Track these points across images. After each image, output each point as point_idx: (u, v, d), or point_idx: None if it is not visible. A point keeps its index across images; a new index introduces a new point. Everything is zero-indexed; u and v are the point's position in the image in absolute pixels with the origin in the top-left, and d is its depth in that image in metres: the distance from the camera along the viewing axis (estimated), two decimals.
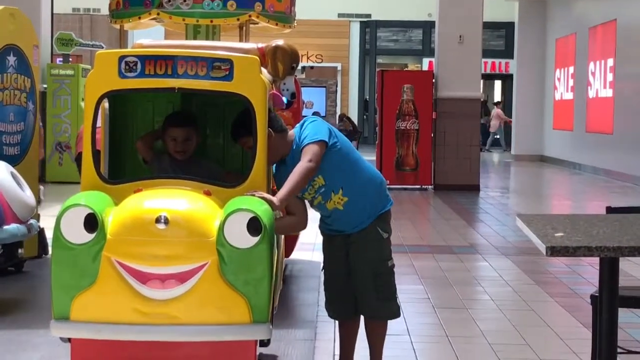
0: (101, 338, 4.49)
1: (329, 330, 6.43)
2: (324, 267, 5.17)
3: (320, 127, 4.93)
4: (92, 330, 4.47)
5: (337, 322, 5.24)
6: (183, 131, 5.22)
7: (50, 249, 8.63)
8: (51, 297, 4.51)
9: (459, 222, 12.79)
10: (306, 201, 5.05)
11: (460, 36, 17.19)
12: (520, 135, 26.92)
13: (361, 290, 4.97)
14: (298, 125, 5.06)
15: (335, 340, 6.12)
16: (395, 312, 5.02)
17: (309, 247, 9.80)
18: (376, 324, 5.02)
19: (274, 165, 5.09)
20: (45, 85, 16.62)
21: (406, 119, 17.22)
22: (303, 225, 5.10)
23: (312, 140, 4.88)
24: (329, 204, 4.97)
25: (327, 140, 4.89)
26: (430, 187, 17.17)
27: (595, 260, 4.82)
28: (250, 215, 4.47)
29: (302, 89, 9.99)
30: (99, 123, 4.97)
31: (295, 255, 8.56)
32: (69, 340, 4.56)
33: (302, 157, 4.84)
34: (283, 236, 5.72)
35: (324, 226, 5.12)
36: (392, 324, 5.29)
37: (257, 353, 4.71)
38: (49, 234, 8.23)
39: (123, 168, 5.44)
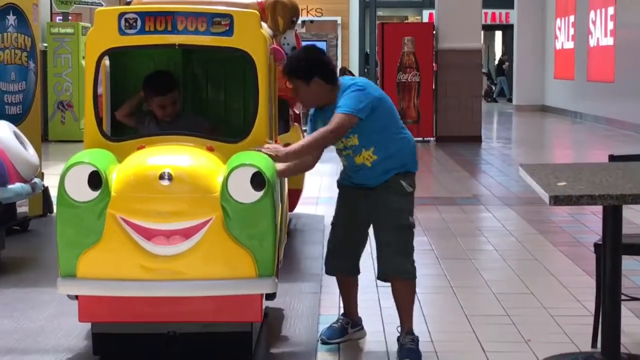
0: (108, 295, 4.52)
1: (334, 283, 6.46)
2: (333, 222, 5.15)
3: (361, 98, 4.81)
4: (99, 287, 4.50)
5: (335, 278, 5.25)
6: (169, 97, 5.25)
7: (55, 207, 8.66)
8: (57, 255, 4.54)
9: (462, 173, 12.81)
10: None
11: None
12: (522, 85, 26.84)
13: (381, 244, 4.94)
14: (349, 78, 5.00)
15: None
16: (412, 272, 4.96)
17: (313, 201, 9.83)
18: (401, 284, 4.98)
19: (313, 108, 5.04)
20: (45, 44, 16.56)
21: (407, 72, 17.17)
22: (311, 167, 5.11)
23: (346, 110, 4.78)
24: (357, 158, 4.95)
25: (361, 117, 4.78)
26: (432, 139, 17.16)
27: (599, 208, 4.84)
28: (254, 170, 4.48)
29: (303, 43, 9.95)
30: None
31: (299, 209, 8.59)
32: (76, 297, 4.59)
33: (330, 121, 4.79)
34: (287, 190, 5.73)
35: (345, 179, 5.09)
36: None
37: (263, 307, 4.75)
38: (53, 193, 8.27)
39: (125, 125, 5.44)
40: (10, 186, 6.77)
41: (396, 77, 17.10)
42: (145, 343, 4.67)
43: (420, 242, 7.77)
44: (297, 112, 8.66)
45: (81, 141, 5.06)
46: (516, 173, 12.38)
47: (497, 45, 37.66)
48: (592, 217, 8.81)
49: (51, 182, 8.35)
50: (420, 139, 16.87)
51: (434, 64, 17.18)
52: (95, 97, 4.90)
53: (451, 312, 5.81)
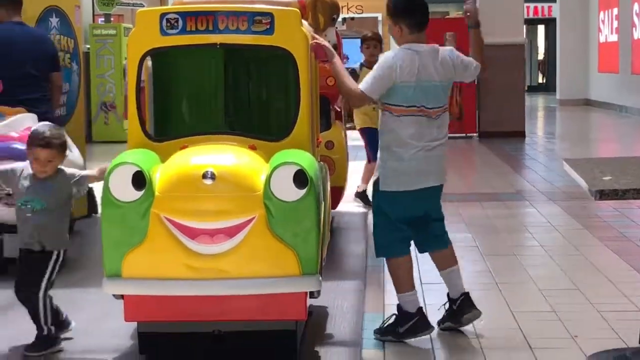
0: (153, 294, 4.54)
1: (378, 280, 6.45)
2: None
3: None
4: (144, 286, 4.52)
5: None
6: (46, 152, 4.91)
7: (99, 208, 8.72)
8: (102, 255, 4.57)
9: (505, 169, 12.73)
10: None
11: None
12: (565, 79, 26.62)
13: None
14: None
15: (385, 290, 6.15)
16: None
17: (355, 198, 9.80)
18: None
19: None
20: (88, 46, 16.70)
21: None
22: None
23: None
24: None
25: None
26: (475, 135, 17.07)
27: None
28: (296, 168, 4.48)
29: (343, 40, 9.94)
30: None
31: (341, 207, 8.58)
32: (122, 297, 4.62)
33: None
34: (329, 188, 5.72)
35: None
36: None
37: (308, 305, 4.75)
38: (97, 194, 8.32)
39: (168, 125, 5.47)
40: None
41: None
42: (190, 342, 4.69)
43: (464, 238, 7.74)
44: (339, 109, 8.66)
45: (124, 142, 5.09)
46: (560, 168, 12.28)
47: (540, 39, 37.40)
48: (639, 212, 8.72)
49: (96, 183, 8.40)
50: (463, 135, 16.79)
51: None
52: (138, 97, 4.92)
53: (496, 308, 5.77)
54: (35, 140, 4.86)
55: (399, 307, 5.17)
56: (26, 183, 4.87)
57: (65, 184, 4.92)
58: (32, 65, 7.33)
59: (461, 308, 5.23)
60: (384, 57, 5.20)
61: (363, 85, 5.07)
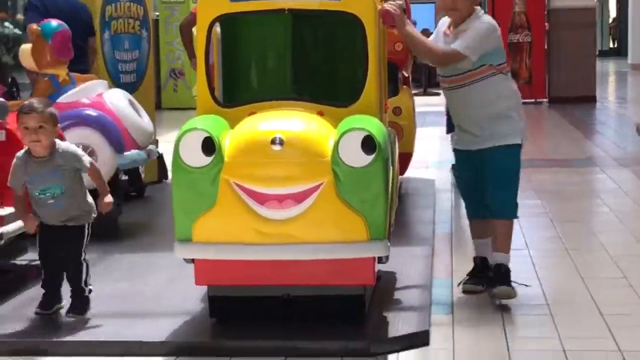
0: (222, 258, 4.59)
1: (446, 246, 6.45)
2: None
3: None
4: (214, 250, 4.57)
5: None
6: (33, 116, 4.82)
7: (169, 173, 8.81)
8: (173, 220, 4.62)
9: (576, 134, 12.58)
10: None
11: None
12: (637, 43, 26.14)
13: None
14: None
15: (453, 256, 6.15)
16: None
17: (423, 164, 9.78)
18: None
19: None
20: (157, 13, 16.81)
21: (519, 32, 16.90)
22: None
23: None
24: None
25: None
26: (544, 100, 16.87)
27: None
28: (365, 133, 4.48)
29: (412, 5, 9.86)
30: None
31: (409, 173, 8.55)
32: (192, 261, 4.68)
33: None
34: (397, 154, 5.72)
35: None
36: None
37: (376, 270, 4.76)
38: (167, 160, 8.41)
39: (237, 92, 5.49)
40: (126, 153, 6.91)
41: (507, 37, 16.84)
42: (260, 306, 4.74)
43: (534, 204, 7.68)
44: (407, 74, 8.61)
45: (193, 108, 5.13)
46: (632, 133, 12.12)
47: (612, 3, 36.74)
48: None
49: (165, 149, 8.49)
50: (533, 100, 16.61)
51: (546, 23, 16.85)
52: (207, 64, 4.95)
53: (567, 275, 5.73)
54: (20, 111, 4.79)
55: (503, 266, 5.17)
56: (29, 169, 4.80)
57: (67, 159, 4.83)
58: (77, 36, 7.41)
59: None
60: (486, 19, 5.24)
61: (461, 44, 5.09)
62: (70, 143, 5.00)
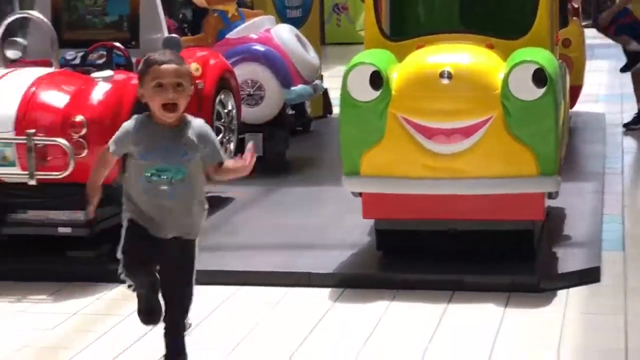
0: (390, 192, 4.61)
1: (617, 182, 6.29)
2: None
3: None
4: (381, 184, 4.59)
5: None
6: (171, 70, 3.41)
7: (334, 109, 8.88)
8: (340, 154, 4.66)
9: None
10: None
11: None
12: None
13: None
14: None
15: (624, 193, 5.99)
16: None
17: (592, 98, 9.52)
18: None
19: None
20: None
21: None
22: None
23: None
24: None
25: None
26: None
27: None
28: (535, 66, 4.39)
29: None
30: None
31: (578, 106, 8.35)
32: (360, 194, 4.71)
33: None
34: (568, 87, 5.59)
35: None
36: None
37: (545, 206, 4.69)
38: (332, 95, 8.47)
39: (404, 25, 5.45)
40: (293, 88, 6.99)
41: None
42: (426, 240, 4.75)
43: None
44: (576, 5, 8.38)
45: (357, 43, 5.13)
46: None
47: None
48: None
49: (330, 84, 8.54)
50: None
51: None
52: None
53: None
54: (152, 61, 3.38)
55: None
56: (147, 137, 3.38)
57: (202, 138, 3.40)
58: None
59: None
60: None
61: None
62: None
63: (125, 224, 3.44)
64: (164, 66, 3.34)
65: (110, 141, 3.43)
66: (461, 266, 4.62)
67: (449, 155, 4.51)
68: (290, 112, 7.67)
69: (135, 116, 3.46)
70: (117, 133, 3.43)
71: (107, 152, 3.44)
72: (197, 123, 3.43)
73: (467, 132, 4.47)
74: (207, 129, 3.45)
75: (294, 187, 6.51)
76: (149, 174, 3.38)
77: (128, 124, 3.43)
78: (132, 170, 3.43)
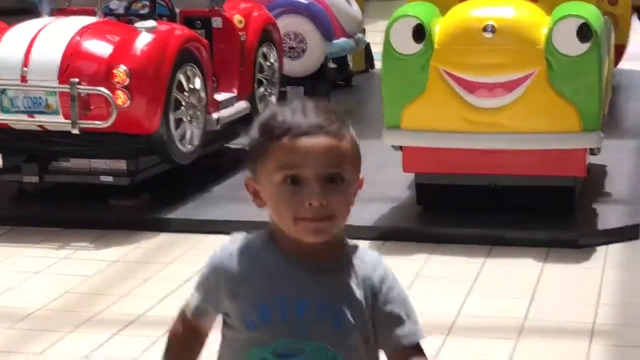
0: (431, 146, 4.60)
1: None
2: None
3: None
4: (423, 138, 4.59)
5: None
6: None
7: (375, 63, 8.83)
8: (382, 107, 4.65)
9: None
10: None
11: None
12: None
13: None
14: None
15: None
16: None
17: (637, 57, 9.39)
18: None
19: None
20: None
21: None
22: None
23: None
24: None
25: None
26: None
27: None
28: (581, 21, 4.35)
29: None
30: None
31: (622, 65, 8.26)
32: (400, 148, 4.71)
33: None
34: (613, 44, 5.53)
35: None
36: None
37: (587, 162, 4.67)
38: (374, 49, 8.42)
39: None
40: (335, 41, 6.97)
41: None
42: (466, 194, 4.74)
43: None
44: None
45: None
46: None
47: None
48: None
49: (372, 38, 8.49)
50: None
51: None
52: None
53: None
54: (276, 127, 1.62)
55: None
56: (258, 286, 1.66)
57: (380, 291, 1.67)
58: None
59: None
60: None
61: None
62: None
63: None
64: (305, 140, 1.62)
65: (192, 299, 1.75)
66: (501, 221, 4.61)
67: (490, 109, 4.49)
68: (332, 65, 7.66)
69: (237, 235, 1.73)
70: (200, 280, 1.74)
71: (181, 314, 1.77)
72: (371, 258, 1.70)
73: (509, 86, 4.45)
74: (391, 274, 1.69)
75: None
76: (267, 355, 1.65)
77: (220, 255, 1.71)
78: (227, 348, 1.71)
